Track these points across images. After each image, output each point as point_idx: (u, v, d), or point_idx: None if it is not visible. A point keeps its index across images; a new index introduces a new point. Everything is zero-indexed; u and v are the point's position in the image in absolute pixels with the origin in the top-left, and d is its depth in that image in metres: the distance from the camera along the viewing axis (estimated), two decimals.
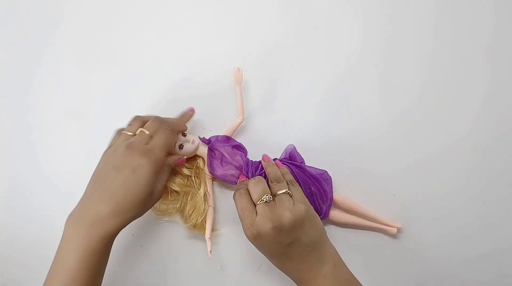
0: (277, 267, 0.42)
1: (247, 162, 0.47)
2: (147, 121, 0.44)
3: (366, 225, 0.50)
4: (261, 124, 0.52)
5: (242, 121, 0.49)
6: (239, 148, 0.49)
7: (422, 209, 0.52)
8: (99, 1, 0.53)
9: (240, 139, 0.51)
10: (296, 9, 0.53)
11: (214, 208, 0.49)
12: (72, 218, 0.39)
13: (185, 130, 0.47)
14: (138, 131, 0.42)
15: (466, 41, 0.52)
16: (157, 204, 0.47)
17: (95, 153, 0.52)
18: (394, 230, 0.49)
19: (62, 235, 0.38)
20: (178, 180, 0.48)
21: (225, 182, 0.49)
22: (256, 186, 0.41)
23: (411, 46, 0.52)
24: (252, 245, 0.41)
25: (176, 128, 0.45)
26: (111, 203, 0.38)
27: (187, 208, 0.47)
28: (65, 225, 0.39)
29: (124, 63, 0.53)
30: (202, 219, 0.47)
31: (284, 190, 0.41)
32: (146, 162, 0.39)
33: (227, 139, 0.49)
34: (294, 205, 0.40)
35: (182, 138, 0.46)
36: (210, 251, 0.47)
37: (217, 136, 0.49)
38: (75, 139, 0.53)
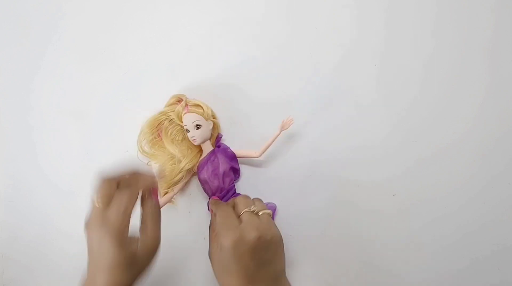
0: None
1: (229, 190, 0.48)
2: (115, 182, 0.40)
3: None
4: (257, 120, 0.52)
5: (256, 157, 0.50)
6: (235, 171, 0.50)
7: (422, 209, 0.52)
8: (99, 1, 0.53)
9: (232, 131, 0.51)
10: (296, 9, 0.53)
11: (174, 194, 0.49)
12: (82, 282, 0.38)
13: (152, 186, 0.42)
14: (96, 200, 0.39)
15: (466, 41, 0.52)
16: (148, 148, 0.49)
17: (95, 153, 0.53)
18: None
19: None
20: (177, 141, 0.49)
21: (200, 185, 0.49)
22: (244, 199, 0.42)
23: (411, 46, 0.52)
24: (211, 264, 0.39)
25: (140, 186, 0.40)
26: (105, 275, 0.36)
27: (165, 167, 0.48)
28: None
29: (124, 63, 0.53)
30: (168, 187, 0.48)
31: (267, 211, 0.41)
32: (105, 237, 0.36)
33: (233, 157, 0.49)
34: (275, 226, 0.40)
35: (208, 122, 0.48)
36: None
37: (228, 148, 0.49)
38: (75, 139, 0.53)
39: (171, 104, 0.50)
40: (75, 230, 0.53)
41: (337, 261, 0.52)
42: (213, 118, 0.50)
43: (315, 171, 0.52)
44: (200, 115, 0.48)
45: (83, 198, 0.53)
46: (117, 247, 0.36)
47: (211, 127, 0.49)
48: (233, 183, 0.49)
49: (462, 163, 0.52)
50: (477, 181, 0.52)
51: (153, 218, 0.41)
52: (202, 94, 0.52)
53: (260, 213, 0.40)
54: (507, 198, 0.51)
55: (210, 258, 0.40)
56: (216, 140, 0.50)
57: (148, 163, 0.50)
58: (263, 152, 0.49)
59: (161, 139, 0.49)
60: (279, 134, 0.49)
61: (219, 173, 0.48)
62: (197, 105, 0.48)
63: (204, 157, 0.48)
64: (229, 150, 0.49)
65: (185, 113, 0.48)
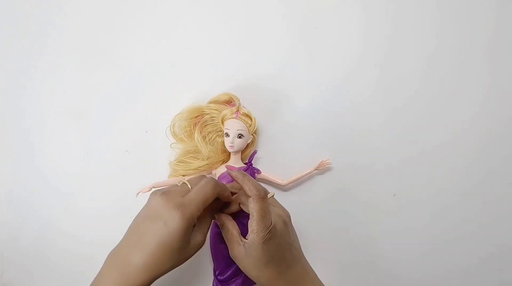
0: (269, 282, 0.39)
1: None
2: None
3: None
4: (258, 120, 0.52)
5: (281, 185, 0.50)
6: None
7: (422, 209, 0.52)
8: (99, 1, 0.53)
9: None
10: (296, 9, 0.53)
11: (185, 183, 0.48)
12: (111, 258, 0.38)
13: (227, 198, 0.42)
14: (180, 183, 0.40)
15: (466, 41, 0.52)
16: (178, 130, 0.49)
17: (95, 153, 0.53)
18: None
19: (100, 269, 0.38)
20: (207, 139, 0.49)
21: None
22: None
23: (411, 46, 0.52)
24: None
25: (221, 191, 0.40)
26: (144, 254, 0.36)
27: (187, 154, 0.48)
28: (105, 259, 0.38)
29: (124, 63, 0.53)
30: (183, 173, 0.48)
31: (271, 194, 0.42)
32: (178, 217, 0.36)
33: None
34: None
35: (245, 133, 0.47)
36: (138, 193, 0.48)
37: (257, 171, 0.49)
38: (75, 139, 0.53)
39: (220, 102, 0.49)
40: (75, 230, 0.53)
41: (337, 261, 0.52)
42: (254, 133, 0.49)
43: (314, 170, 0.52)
44: (247, 126, 0.47)
45: (83, 199, 0.53)
46: (182, 229, 0.36)
47: (249, 141, 0.49)
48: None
49: (462, 163, 0.52)
50: (477, 182, 0.52)
51: (207, 222, 0.41)
52: (202, 93, 0.52)
53: (269, 196, 0.41)
54: (507, 198, 0.51)
55: (238, 261, 0.39)
56: (251, 156, 0.49)
57: (171, 145, 0.50)
58: (290, 183, 0.49)
59: (195, 129, 0.49)
60: (313, 172, 0.49)
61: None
62: (247, 116, 0.48)
63: (232, 172, 0.47)
64: (256, 174, 0.49)
65: (233, 118, 0.47)
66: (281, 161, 0.52)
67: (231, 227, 0.40)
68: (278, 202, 0.42)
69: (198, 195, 0.38)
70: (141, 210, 0.40)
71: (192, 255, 0.39)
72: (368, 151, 0.52)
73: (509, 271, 0.51)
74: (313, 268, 0.41)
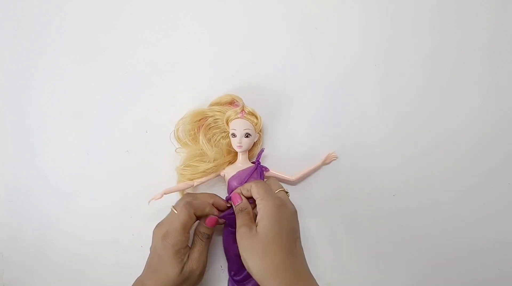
0: (274, 266, 0.38)
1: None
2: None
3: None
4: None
5: (290, 181, 0.50)
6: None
7: (422, 209, 0.52)
8: (99, 1, 0.53)
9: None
10: (296, 9, 0.53)
11: (189, 186, 0.49)
12: (136, 282, 0.44)
13: (209, 213, 0.46)
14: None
15: (466, 41, 0.52)
16: (182, 135, 0.50)
17: (95, 153, 0.53)
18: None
19: None
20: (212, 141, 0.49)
21: (227, 189, 0.49)
22: (275, 182, 0.47)
23: (411, 46, 0.52)
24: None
25: (196, 210, 0.44)
26: (155, 279, 0.42)
27: (192, 158, 0.49)
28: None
29: (124, 63, 0.53)
30: (190, 177, 0.48)
31: (284, 189, 0.46)
32: (165, 246, 0.42)
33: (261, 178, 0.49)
34: None
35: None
36: (150, 200, 0.47)
37: (266, 169, 0.49)
38: (75, 139, 0.53)
39: (223, 103, 0.49)
40: (75, 230, 0.53)
41: (337, 261, 0.52)
42: (260, 131, 0.49)
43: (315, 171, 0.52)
44: (253, 125, 0.47)
45: (83, 199, 0.53)
46: (175, 259, 0.42)
47: (256, 139, 0.49)
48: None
49: (462, 163, 0.52)
50: (477, 182, 0.52)
51: (201, 244, 0.45)
52: (202, 93, 0.52)
53: (277, 191, 0.45)
54: (507, 198, 0.51)
55: (244, 249, 0.40)
56: (258, 154, 0.49)
57: (176, 150, 0.50)
58: (299, 178, 0.49)
59: (199, 132, 0.49)
60: (320, 166, 0.49)
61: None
62: (253, 114, 0.48)
63: (245, 169, 0.47)
64: (264, 172, 0.49)
65: (238, 118, 0.47)
66: (287, 158, 0.51)
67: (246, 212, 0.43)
68: (290, 200, 0.45)
69: (175, 222, 0.43)
70: None
71: (195, 282, 0.44)
72: (368, 151, 0.52)
73: (509, 271, 0.51)
74: (312, 267, 0.41)
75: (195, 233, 0.46)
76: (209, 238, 0.46)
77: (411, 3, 0.52)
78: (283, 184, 0.50)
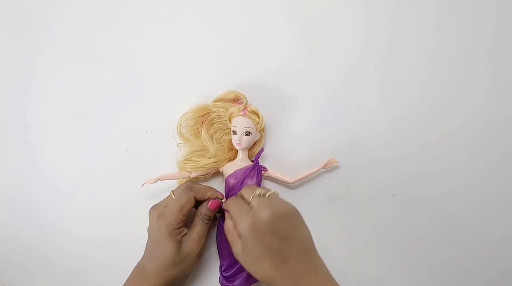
0: (267, 277, 0.38)
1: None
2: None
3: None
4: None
5: (288, 183, 0.49)
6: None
7: (422, 209, 0.52)
8: (99, 1, 0.53)
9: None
10: (296, 9, 0.53)
11: (189, 178, 0.49)
12: (137, 265, 0.46)
13: (211, 197, 0.46)
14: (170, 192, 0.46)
15: (466, 41, 0.52)
16: (185, 130, 0.50)
17: (95, 153, 0.53)
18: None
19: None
20: (213, 135, 0.49)
21: (225, 186, 0.49)
22: (249, 188, 0.44)
23: (411, 46, 0.52)
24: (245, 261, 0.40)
25: (195, 193, 0.45)
26: (154, 260, 0.44)
27: (194, 153, 0.49)
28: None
29: (124, 63, 0.53)
30: (190, 170, 0.48)
31: (274, 192, 0.43)
32: (160, 227, 0.43)
33: (260, 183, 0.48)
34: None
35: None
36: (144, 184, 0.48)
37: (264, 169, 0.49)
38: (75, 139, 0.53)
39: (227, 100, 0.50)
40: (75, 230, 0.53)
41: (337, 261, 0.52)
42: (262, 131, 0.49)
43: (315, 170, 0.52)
44: (255, 123, 0.47)
45: (83, 199, 0.53)
46: (171, 240, 0.43)
47: (257, 138, 0.49)
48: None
49: (462, 163, 0.52)
50: (477, 182, 0.52)
51: (202, 225, 0.46)
52: (202, 94, 0.52)
53: (267, 194, 0.42)
54: (507, 198, 0.51)
55: (238, 258, 0.41)
56: (258, 153, 0.49)
57: (178, 145, 0.50)
58: (297, 181, 0.49)
59: (202, 127, 0.49)
60: (320, 170, 0.49)
61: (244, 184, 0.48)
62: (255, 113, 0.48)
63: (242, 168, 0.48)
64: (262, 172, 0.49)
65: (240, 116, 0.47)
66: (287, 158, 0.51)
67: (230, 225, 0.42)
68: (283, 199, 0.42)
69: (174, 204, 0.44)
70: None
71: (196, 258, 0.45)
72: (368, 150, 0.52)
73: (509, 271, 0.51)
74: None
75: (196, 214, 0.46)
76: (210, 220, 0.46)
77: (411, 3, 0.52)
78: (281, 185, 0.50)
